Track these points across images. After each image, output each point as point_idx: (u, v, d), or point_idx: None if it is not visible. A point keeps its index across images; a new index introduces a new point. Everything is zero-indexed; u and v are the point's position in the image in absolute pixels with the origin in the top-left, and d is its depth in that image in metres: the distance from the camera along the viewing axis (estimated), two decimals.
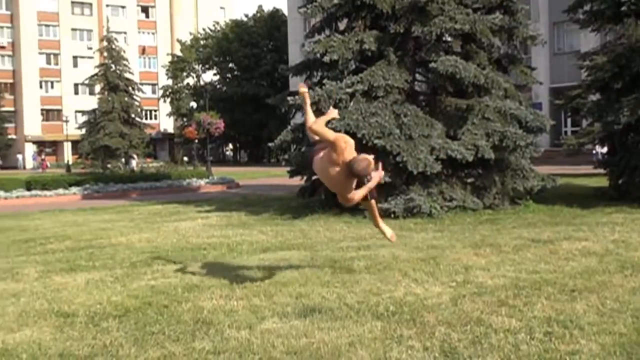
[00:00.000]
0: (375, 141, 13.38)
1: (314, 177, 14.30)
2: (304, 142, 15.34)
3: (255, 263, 8.74)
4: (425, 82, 16.45)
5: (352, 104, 14.00)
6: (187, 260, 9.27)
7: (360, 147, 13.67)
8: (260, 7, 75.82)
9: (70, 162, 65.21)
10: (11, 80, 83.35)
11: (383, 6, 14.76)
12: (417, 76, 16.14)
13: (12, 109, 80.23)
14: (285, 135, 15.35)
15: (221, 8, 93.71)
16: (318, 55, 14.88)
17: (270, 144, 15.87)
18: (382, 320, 5.74)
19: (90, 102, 66.80)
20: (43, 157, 72.99)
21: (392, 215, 13.10)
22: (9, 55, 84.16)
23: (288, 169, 15.86)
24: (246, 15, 76.78)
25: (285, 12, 66.81)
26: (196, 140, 45.01)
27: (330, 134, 6.50)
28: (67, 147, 75.49)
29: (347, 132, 13.45)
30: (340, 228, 12.15)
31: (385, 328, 5.50)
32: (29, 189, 25.14)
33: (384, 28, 15.28)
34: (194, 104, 57.59)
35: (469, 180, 14.91)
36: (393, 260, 8.46)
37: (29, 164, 76.90)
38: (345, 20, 16.07)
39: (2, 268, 9.16)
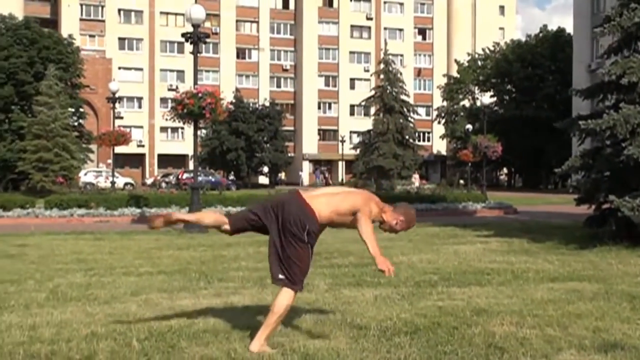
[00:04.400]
0: None
1: (604, 207, 13.51)
2: (594, 169, 14.59)
3: (544, 292, 8.39)
4: None
5: None
6: (470, 283, 9.12)
7: None
8: (544, 26, 73.61)
9: (344, 181, 67.87)
10: (292, 101, 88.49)
11: None
12: None
13: (292, 128, 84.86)
14: (574, 161, 14.69)
15: (500, 29, 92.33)
16: (614, 77, 14.11)
17: (556, 170, 15.26)
18: None
19: (365, 124, 69.32)
20: (326, 174, 76.56)
21: None
22: (291, 78, 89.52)
23: (575, 196, 15.15)
24: (528, 36, 74.94)
25: (570, 31, 64.13)
26: (469, 164, 44.67)
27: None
28: (341, 166, 78.49)
29: None
30: (634, 262, 11.28)
31: None
32: None
33: None
34: (469, 126, 57.21)
35: None
36: None
37: (306, 180, 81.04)
38: None
39: None
